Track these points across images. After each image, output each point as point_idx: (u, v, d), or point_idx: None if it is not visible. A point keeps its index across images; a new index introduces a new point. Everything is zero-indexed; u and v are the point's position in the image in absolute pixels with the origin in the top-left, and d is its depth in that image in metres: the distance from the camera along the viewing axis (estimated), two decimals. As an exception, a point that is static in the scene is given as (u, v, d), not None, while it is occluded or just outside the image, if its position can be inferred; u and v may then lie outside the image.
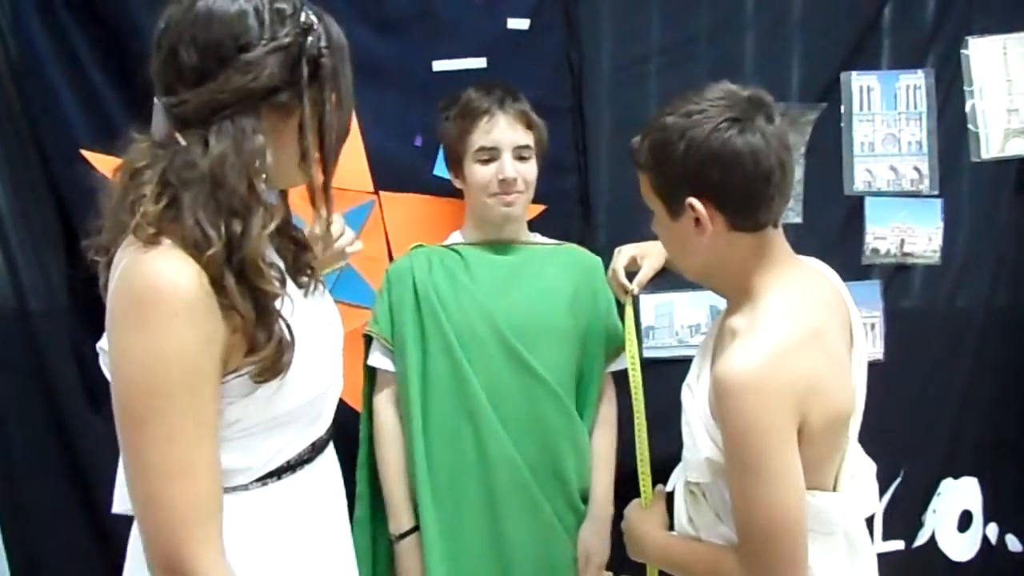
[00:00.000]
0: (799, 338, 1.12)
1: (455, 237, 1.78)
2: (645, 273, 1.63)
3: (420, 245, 1.76)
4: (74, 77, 1.68)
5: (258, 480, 1.08)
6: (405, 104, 1.83)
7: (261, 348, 0.99)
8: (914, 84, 1.99)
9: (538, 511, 1.63)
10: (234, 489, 1.05)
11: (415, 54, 1.82)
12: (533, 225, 1.83)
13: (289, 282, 1.06)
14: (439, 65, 1.83)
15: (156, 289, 0.91)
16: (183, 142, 0.95)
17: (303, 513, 1.12)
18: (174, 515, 0.93)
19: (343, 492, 1.25)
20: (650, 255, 1.63)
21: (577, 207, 1.90)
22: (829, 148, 1.99)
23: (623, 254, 1.65)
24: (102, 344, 1.08)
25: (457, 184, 1.72)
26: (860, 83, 1.99)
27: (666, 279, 1.93)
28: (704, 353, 1.30)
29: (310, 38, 0.97)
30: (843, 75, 1.98)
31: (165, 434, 0.92)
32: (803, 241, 1.97)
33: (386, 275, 1.73)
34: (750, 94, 1.16)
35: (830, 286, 1.29)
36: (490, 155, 1.64)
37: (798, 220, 1.99)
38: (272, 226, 0.98)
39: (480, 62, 1.84)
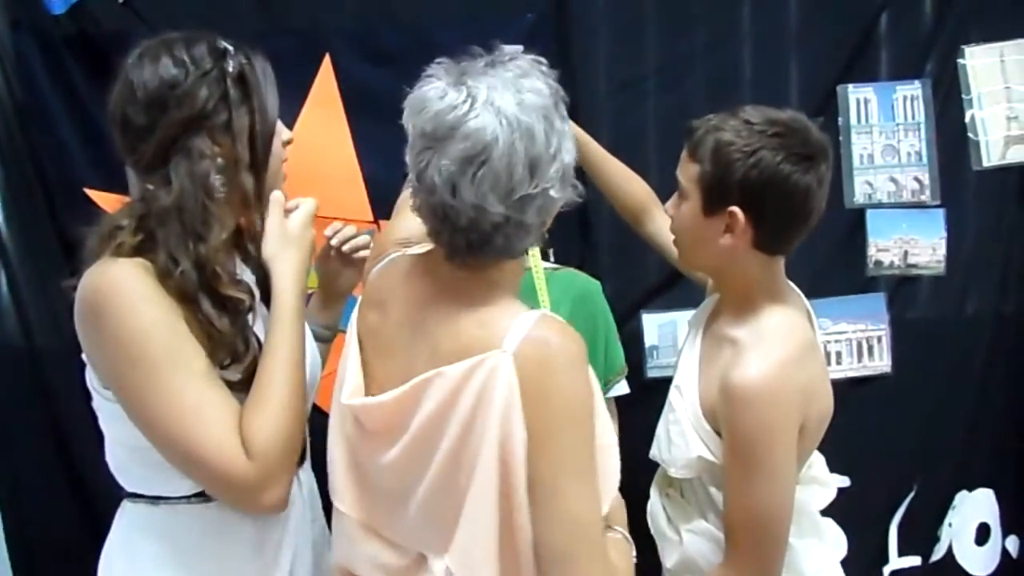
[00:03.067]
0: (800, 350, 1.23)
1: None
2: None
3: None
4: (76, 115, 1.72)
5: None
6: (403, 134, 1.83)
7: (241, 358, 1.09)
8: (911, 95, 1.98)
9: None
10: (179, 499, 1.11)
11: (411, 84, 1.83)
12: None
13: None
14: (437, 96, 1.85)
15: (115, 283, 1.04)
16: (151, 188, 1.08)
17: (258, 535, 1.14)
18: (211, 441, 1.02)
19: (313, 517, 1.24)
20: None
21: (576, 230, 1.89)
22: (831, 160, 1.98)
23: None
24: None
25: None
26: (857, 95, 1.99)
27: (668, 298, 1.95)
28: (694, 356, 1.35)
29: (229, 61, 1.11)
30: (839, 88, 1.97)
31: (169, 391, 1.02)
32: (804, 255, 1.93)
33: None
34: (821, 139, 1.24)
35: (805, 305, 1.38)
36: None
37: (809, 229, 1.98)
38: (225, 233, 1.09)
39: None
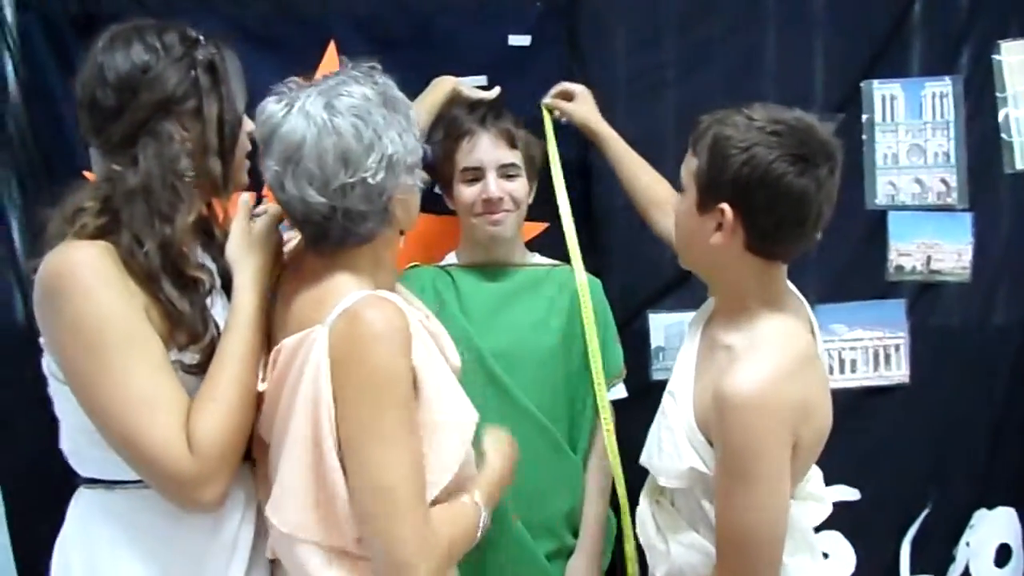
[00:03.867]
0: (797, 361, 1.18)
1: (451, 258, 1.75)
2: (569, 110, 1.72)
3: (416, 265, 1.74)
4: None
5: None
6: (407, 122, 1.81)
7: (200, 338, 1.12)
8: (941, 91, 1.89)
9: (526, 554, 1.57)
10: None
11: (414, 73, 1.79)
12: (535, 244, 1.79)
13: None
14: (444, 82, 1.81)
15: (76, 268, 1.06)
16: (117, 168, 1.11)
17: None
18: (156, 433, 1.04)
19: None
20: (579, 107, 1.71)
21: (582, 225, 1.84)
22: (849, 160, 1.83)
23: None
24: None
25: (450, 205, 1.69)
26: (883, 92, 1.90)
27: (676, 297, 1.89)
28: (690, 360, 1.32)
29: (200, 49, 1.15)
30: (864, 84, 1.89)
31: (121, 379, 1.04)
32: (821, 258, 1.90)
33: None
34: (827, 140, 1.20)
35: (807, 314, 1.33)
36: (475, 175, 1.61)
37: (817, 235, 1.89)
38: (193, 215, 1.13)
39: (480, 80, 1.81)
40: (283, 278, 1.25)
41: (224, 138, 1.15)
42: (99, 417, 1.06)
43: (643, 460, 1.36)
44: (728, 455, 1.16)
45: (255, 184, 1.28)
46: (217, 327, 1.15)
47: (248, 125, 1.21)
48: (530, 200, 1.69)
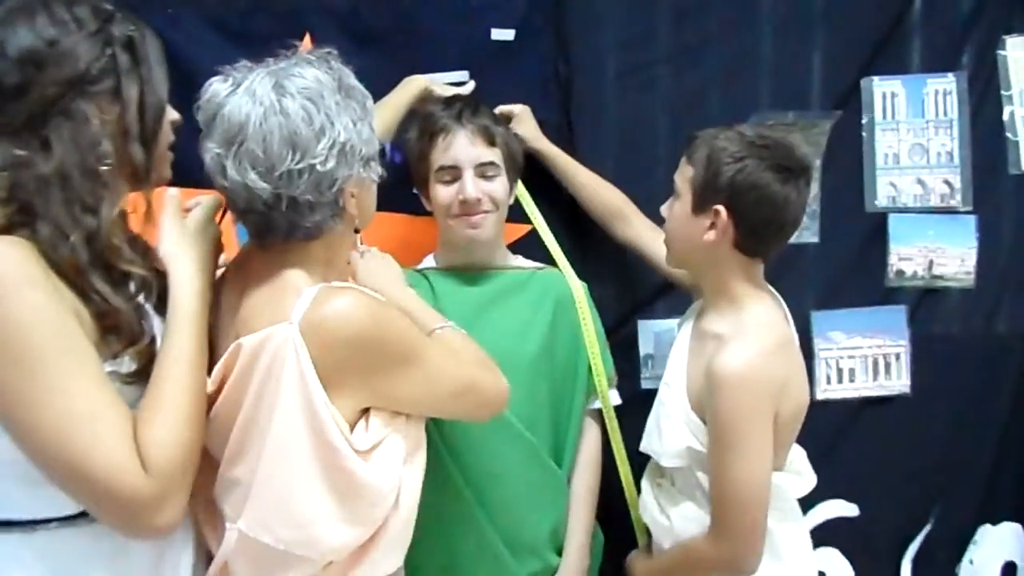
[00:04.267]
0: (777, 343, 1.37)
1: (428, 261, 1.67)
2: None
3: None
4: None
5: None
6: (391, 118, 1.74)
7: (138, 341, 1.02)
8: (944, 89, 1.82)
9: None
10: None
11: (394, 68, 1.72)
12: (518, 246, 1.71)
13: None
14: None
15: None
16: (22, 153, 0.98)
17: None
18: (102, 453, 0.92)
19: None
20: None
21: (564, 227, 1.76)
22: (849, 160, 1.83)
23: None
24: None
25: (428, 206, 1.61)
26: (883, 89, 1.82)
27: (666, 304, 1.81)
28: (681, 353, 1.48)
29: (116, 24, 1.04)
30: (864, 81, 1.81)
31: (56, 393, 0.92)
32: (820, 262, 1.84)
33: None
34: (805, 156, 1.43)
35: (783, 305, 1.48)
36: (451, 174, 1.52)
37: (814, 239, 1.83)
38: (119, 205, 1.03)
39: (461, 76, 1.73)
40: (226, 278, 1.19)
41: (146, 123, 1.04)
42: (32, 437, 0.93)
43: (644, 447, 1.51)
44: (720, 427, 1.33)
45: (178, 180, 1.18)
46: (153, 332, 1.06)
47: (172, 114, 1.12)
48: (511, 200, 1.61)
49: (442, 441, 1.44)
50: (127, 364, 1.01)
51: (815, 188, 1.80)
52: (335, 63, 1.12)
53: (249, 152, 1.04)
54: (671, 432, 1.42)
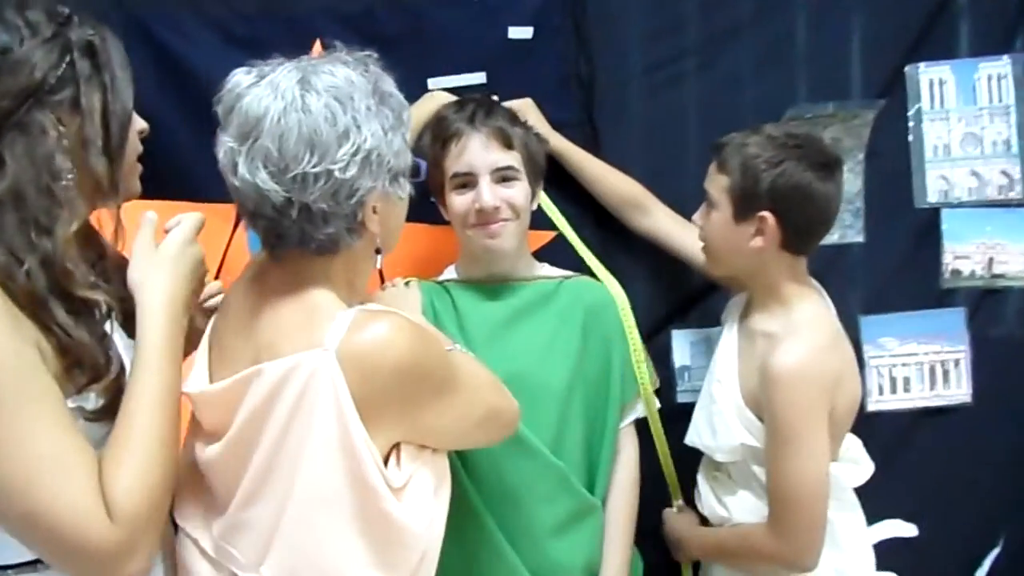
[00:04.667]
0: (829, 338, 1.39)
1: (449, 272, 1.57)
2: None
3: (411, 280, 1.55)
4: None
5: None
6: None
7: (103, 375, 0.95)
8: (997, 73, 1.70)
9: None
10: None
11: (409, 71, 1.62)
12: (543, 254, 1.62)
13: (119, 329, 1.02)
14: (435, 83, 1.65)
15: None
16: None
17: None
18: (65, 499, 0.85)
19: None
20: None
21: (591, 233, 1.67)
22: (894, 154, 1.71)
23: None
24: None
25: (445, 216, 1.52)
26: (930, 75, 1.71)
27: (703, 311, 1.71)
28: (731, 350, 1.48)
29: (73, 28, 0.97)
30: (909, 68, 1.70)
31: (16, 435, 0.85)
32: (867, 263, 1.72)
33: None
34: (834, 152, 1.44)
35: (827, 300, 1.48)
36: (466, 181, 1.43)
37: (859, 239, 1.72)
38: (76, 224, 0.95)
39: (479, 77, 1.65)
40: (236, 290, 1.10)
41: (111, 133, 0.98)
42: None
43: (691, 440, 1.52)
44: (777, 424, 1.34)
45: (149, 194, 1.11)
46: (121, 363, 0.98)
47: (139, 123, 1.05)
48: (534, 206, 1.51)
49: (464, 470, 1.35)
50: (92, 400, 0.94)
51: (858, 184, 1.69)
52: (373, 66, 1.04)
53: (263, 149, 0.96)
54: (725, 429, 1.43)
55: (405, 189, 1.07)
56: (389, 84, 1.05)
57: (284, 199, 0.96)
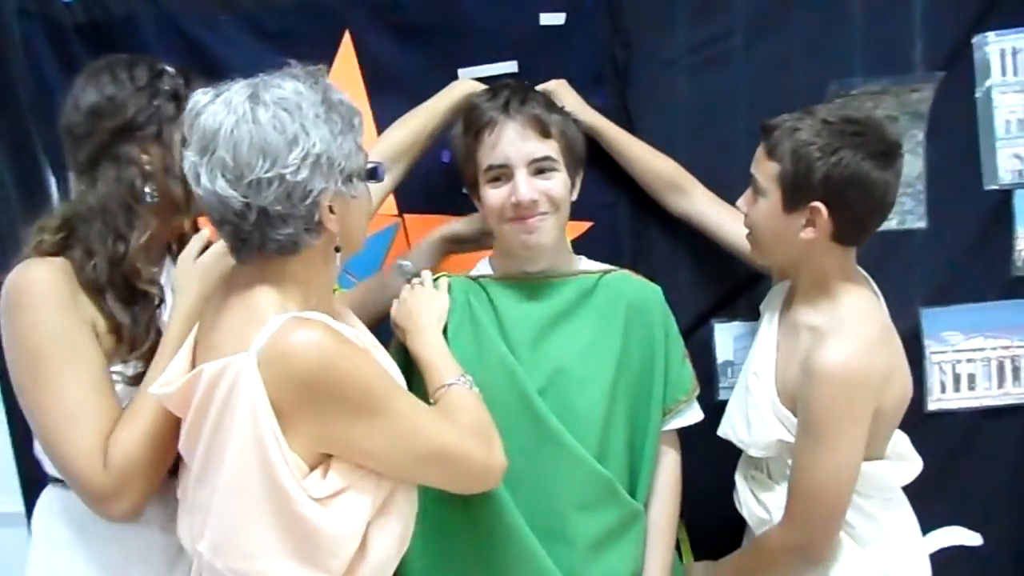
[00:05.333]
0: (879, 334, 1.32)
1: (484, 266, 1.50)
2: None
3: (443, 275, 1.50)
4: None
5: None
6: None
7: (141, 343, 1.21)
8: (1077, 40, 1.55)
9: None
10: None
11: (439, 61, 1.62)
12: (579, 245, 1.56)
13: None
14: (465, 73, 1.61)
15: (26, 284, 1.17)
16: (81, 189, 1.24)
17: None
18: (77, 445, 1.13)
19: None
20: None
21: (628, 222, 1.61)
22: (960, 131, 1.60)
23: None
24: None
25: (480, 210, 1.44)
26: (1000, 45, 1.58)
27: (746, 303, 1.63)
28: (770, 342, 1.43)
29: (165, 79, 1.26)
30: (976, 38, 1.57)
31: (54, 392, 1.15)
32: (929, 251, 1.62)
33: None
34: (895, 135, 1.34)
35: (875, 289, 1.42)
36: (501, 173, 1.35)
37: (921, 224, 1.61)
38: (147, 234, 1.22)
39: (510, 66, 1.60)
40: (214, 293, 1.20)
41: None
42: (33, 426, 1.17)
43: (723, 432, 1.47)
44: (813, 420, 1.29)
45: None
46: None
47: None
48: (574, 197, 1.42)
49: (508, 482, 1.27)
50: (133, 367, 1.21)
51: (919, 166, 1.58)
52: (323, 79, 1.11)
53: (220, 160, 1.03)
54: (760, 424, 1.39)
55: (359, 189, 1.13)
56: (338, 94, 1.12)
57: (243, 204, 1.03)
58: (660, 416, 1.42)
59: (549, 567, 1.30)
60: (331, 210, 1.08)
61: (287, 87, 1.05)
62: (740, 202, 1.41)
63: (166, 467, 1.19)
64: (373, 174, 1.15)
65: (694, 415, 1.45)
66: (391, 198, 1.64)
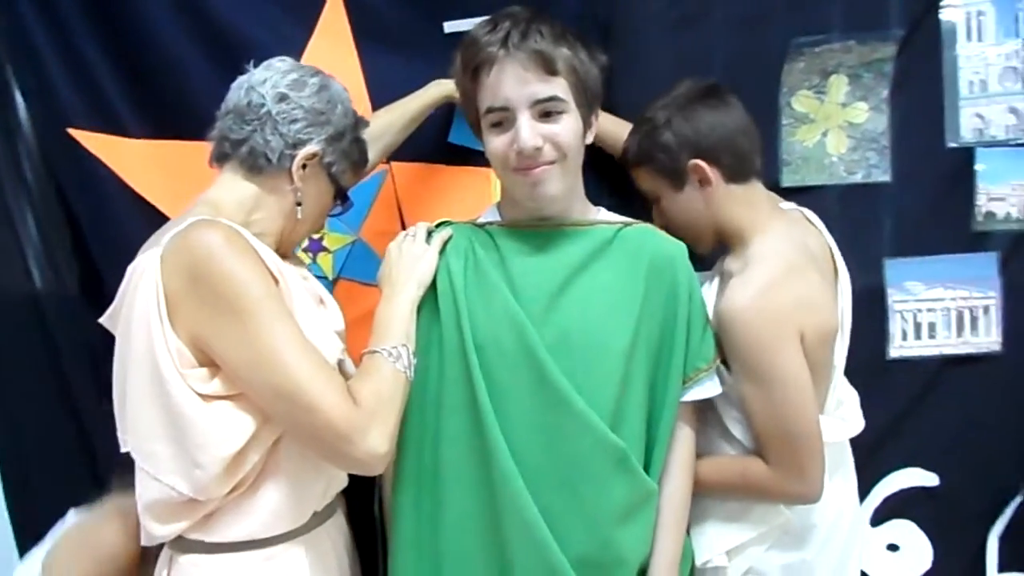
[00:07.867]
0: (785, 270, 1.33)
1: (491, 213, 1.38)
2: None
3: (446, 222, 1.39)
4: (64, 51, 1.62)
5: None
6: (416, 69, 1.64)
7: None
8: (1042, 3, 1.60)
9: None
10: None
11: (423, 15, 1.65)
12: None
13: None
14: (451, 26, 1.64)
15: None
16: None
17: None
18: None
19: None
20: None
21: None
22: (925, 90, 1.64)
23: None
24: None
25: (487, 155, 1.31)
26: (968, 8, 1.62)
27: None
28: (709, 298, 1.41)
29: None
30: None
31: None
32: (893, 204, 1.66)
33: None
34: (712, 81, 1.44)
35: (814, 230, 1.47)
36: (502, 117, 1.23)
37: (885, 178, 1.65)
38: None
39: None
40: None
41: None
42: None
43: None
44: (744, 363, 1.31)
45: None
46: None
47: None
48: (589, 139, 1.30)
49: (512, 445, 1.22)
50: None
51: (883, 122, 1.63)
52: (287, 65, 1.30)
53: (279, 70, 1.27)
54: None
55: (326, 182, 1.27)
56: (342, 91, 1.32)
57: (260, 103, 1.21)
58: (680, 384, 1.29)
59: (551, 545, 1.20)
60: (304, 166, 1.22)
61: (257, 74, 1.27)
62: (656, 222, 1.41)
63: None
64: (344, 196, 1.32)
65: (713, 387, 1.33)
66: (377, 145, 1.68)
